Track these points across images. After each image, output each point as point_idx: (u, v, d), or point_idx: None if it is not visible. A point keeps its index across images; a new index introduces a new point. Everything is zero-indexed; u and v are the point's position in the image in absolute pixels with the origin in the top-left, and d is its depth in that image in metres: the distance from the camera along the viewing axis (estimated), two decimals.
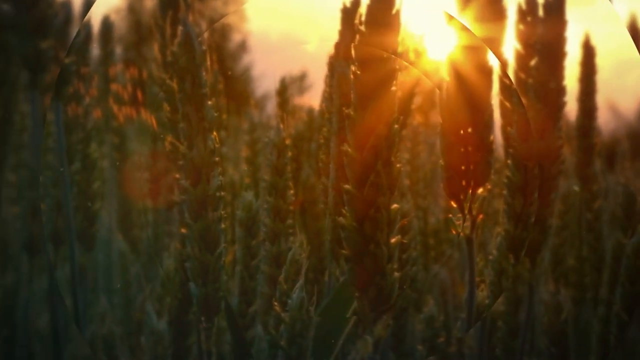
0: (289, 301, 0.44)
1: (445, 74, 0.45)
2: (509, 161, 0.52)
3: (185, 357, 0.57)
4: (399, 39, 0.40)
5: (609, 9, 0.54)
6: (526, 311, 0.58)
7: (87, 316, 0.66)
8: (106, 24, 0.87)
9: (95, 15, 0.86)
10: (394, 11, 0.40)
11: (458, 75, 0.45)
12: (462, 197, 0.45)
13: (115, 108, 0.86)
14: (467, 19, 0.45)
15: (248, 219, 0.54)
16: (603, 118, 0.80)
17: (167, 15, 0.59)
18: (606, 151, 0.96)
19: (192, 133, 0.43)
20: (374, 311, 0.41)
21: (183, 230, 0.46)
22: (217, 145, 0.44)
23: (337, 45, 0.55)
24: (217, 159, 0.44)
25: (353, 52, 0.40)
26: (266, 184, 0.55)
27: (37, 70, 0.55)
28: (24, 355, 0.77)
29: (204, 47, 0.43)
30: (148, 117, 0.74)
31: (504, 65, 0.53)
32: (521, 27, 0.55)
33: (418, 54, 0.54)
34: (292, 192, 0.55)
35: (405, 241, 0.56)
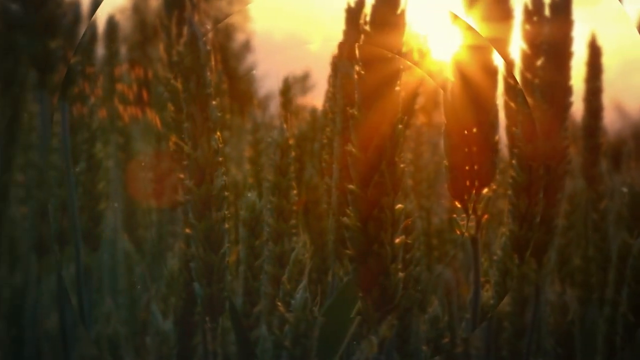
0: (293, 301, 0.44)
1: (450, 74, 0.45)
2: (513, 161, 0.52)
3: (191, 358, 0.57)
4: (404, 39, 0.40)
5: (619, 9, 0.53)
6: (532, 311, 0.57)
7: (93, 316, 0.67)
8: (111, 23, 0.87)
9: (100, 15, 0.86)
10: (399, 11, 0.40)
11: (463, 76, 0.44)
12: (466, 197, 0.45)
13: (120, 108, 0.86)
14: (473, 18, 0.45)
15: (251, 219, 0.54)
16: (609, 118, 0.80)
17: (172, 15, 0.59)
18: (612, 151, 0.96)
19: (197, 133, 0.43)
20: (378, 311, 0.41)
21: (187, 230, 0.46)
22: (220, 145, 0.44)
23: (341, 45, 0.55)
24: (220, 159, 0.44)
25: (357, 52, 0.40)
26: (269, 184, 0.55)
27: (45, 70, 0.55)
28: (33, 355, 0.77)
29: (209, 47, 0.43)
30: (153, 117, 0.74)
31: (509, 65, 0.53)
32: (527, 27, 0.55)
33: (422, 54, 0.54)
34: (295, 192, 0.55)
35: (409, 241, 0.56)
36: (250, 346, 0.55)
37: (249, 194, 0.55)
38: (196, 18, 0.42)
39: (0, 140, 0.69)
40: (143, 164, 0.76)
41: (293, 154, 0.55)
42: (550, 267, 0.72)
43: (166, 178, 0.66)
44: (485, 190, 0.45)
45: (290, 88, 0.75)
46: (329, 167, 0.56)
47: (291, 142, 0.55)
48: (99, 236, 0.66)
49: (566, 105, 0.54)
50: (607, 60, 0.77)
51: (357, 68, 0.40)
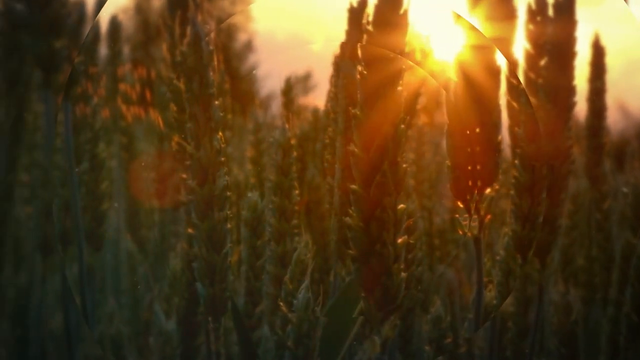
0: (295, 302, 0.44)
1: (452, 74, 0.45)
2: (516, 161, 0.52)
3: (194, 358, 0.57)
4: (407, 39, 0.40)
5: (624, 9, 0.53)
6: (535, 312, 0.57)
7: (96, 316, 0.67)
8: (114, 23, 0.87)
9: (104, 15, 0.86)
10: (401, 11, 0.40)
11: (466, 76, 0.44)
12: (468, 197, 0.45)
13: (123, 108, 0.87)
14: (477, 18, 0.45)
15: (253, 219, 0.54)
16: (613, 118, 0.80)
17: (175, 15, 0.59)
18: (616, 151, 0.96)
19: (199, 133, 0.43)
20: (381, 311, 0.41)
21: (190, 230, 0.45)
22: (223, 145, 0.44)
23: (343, 45, 0.55)
24: (223, 159, 0.44)
25: (359, 52, 0.40)
26: (271, 184, 0.55)
27: (50, 70, 0.55)
28: (37, 355, 0.77)
29: (211, 47, 0.43)
30: (155, 117, 0.74)
31: (513, 65, 0.53)
32: (531, 26, 0.54)
33: (425, 54, 0.54)
34: (297, 192, 0.55)
35: (411, 241, 0.56)
36: (252, 346, 0.55)
37: (251, 194, 0.55)
38: (199, 18, 0.42)
39: (5, 140, 0.69)
40: (145, 164, 0.76)
41: (295, 154, 0.55)
42: (553, 267, 0.72)
43: (169, 178, 0.66)
44: (487, 190, 0.45)
45: (292, 88, 0.75)
46: (331, 167, 0.56)
47: (293, 142, 0.55)
48: (101, 236, 0.67)
49: (569, 105, 0.54)
50: (611, 60, 0.77)
51: (359, 68, 0.40)
